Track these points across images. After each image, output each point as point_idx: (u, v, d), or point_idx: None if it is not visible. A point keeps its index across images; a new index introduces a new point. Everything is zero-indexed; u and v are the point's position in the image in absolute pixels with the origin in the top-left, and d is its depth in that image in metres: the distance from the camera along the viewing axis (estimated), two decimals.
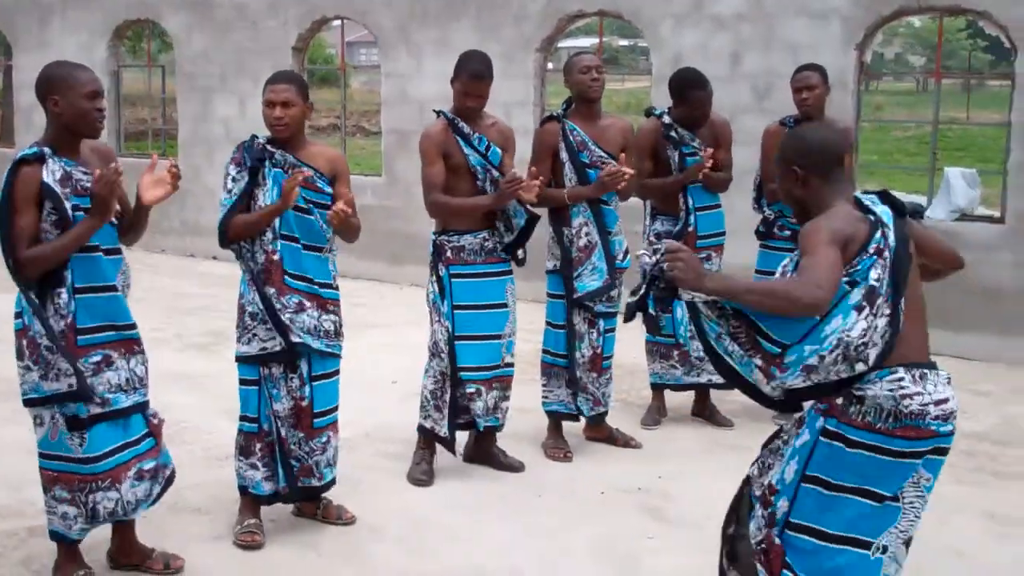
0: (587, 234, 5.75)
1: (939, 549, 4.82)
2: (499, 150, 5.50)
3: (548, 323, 6.00)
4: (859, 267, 3.23)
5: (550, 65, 10.33)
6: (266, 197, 4.72)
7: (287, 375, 4.78)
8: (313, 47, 12.87)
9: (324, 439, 4.86)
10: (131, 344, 4.29)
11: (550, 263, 5.90)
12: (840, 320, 3.19)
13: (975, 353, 8.06)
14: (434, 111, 5.59)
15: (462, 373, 5.49)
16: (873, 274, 3.22)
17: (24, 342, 4.08)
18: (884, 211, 3.35)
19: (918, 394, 3.22)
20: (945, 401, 3.26)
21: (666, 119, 6.28)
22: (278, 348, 4.73)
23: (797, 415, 3.50)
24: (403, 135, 10.34)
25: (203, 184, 11.68)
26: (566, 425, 6.11)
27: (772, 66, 8.64)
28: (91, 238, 4.09)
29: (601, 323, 5.89)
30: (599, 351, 5.92)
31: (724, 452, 6.05)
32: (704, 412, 6.63)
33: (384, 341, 8.15)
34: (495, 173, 5.45)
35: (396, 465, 5.72)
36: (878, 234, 3.26)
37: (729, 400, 6.83)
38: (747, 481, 3.57)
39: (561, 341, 5.92)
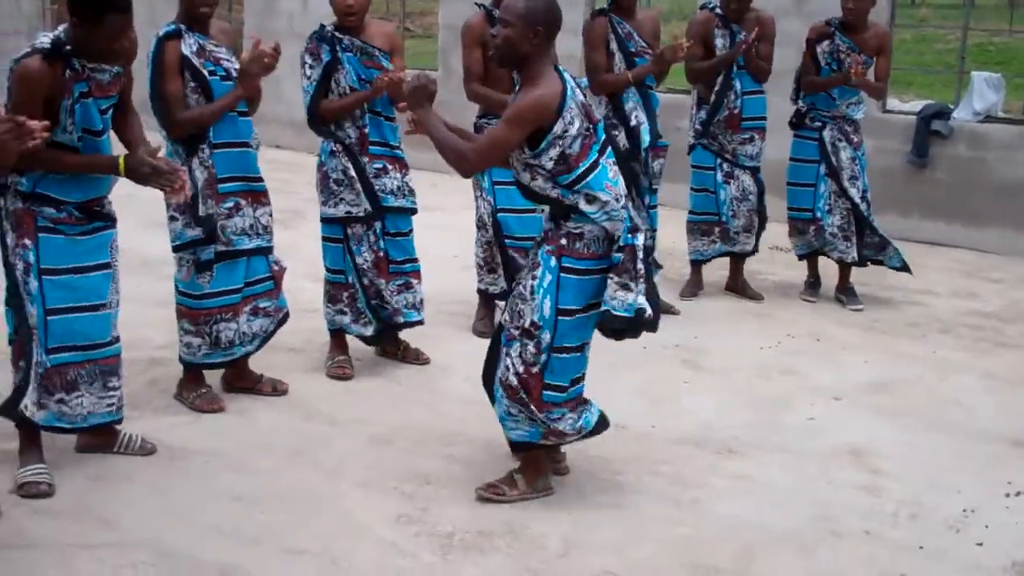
0: (636, 116, 6.38)
1: (941, 400, 5.52)
2: None
3: None
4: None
5: None
6: (346, 78, 5.37)
7: (367, 232, 5.48)
8: None
9: (401, 282, 5.57)
10: (259, 196, 5.05)
11: None
12: None
13: (992, 246, 8.67)
14: (476, 3, 6.18)
15: (506, 240, 6.14)
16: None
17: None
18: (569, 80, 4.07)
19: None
20: None
21: (718, 10, 6.88)
22: (362, 212, 5.42)
23: (531, 261, 4.22)
24: (459, 31, 10.87)
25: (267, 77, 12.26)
26: None
27: None
28: None
29: (646, 198, 6.55)
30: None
31: (752, 319, 6.76)
32: (737, 287, 7.29)
33: (443, 223, 8.83)
34: None
35: (462, 321, 6.46)
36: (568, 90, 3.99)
37: (760, 278, 7.51)
38: (499, 329, 4.28)
39: None
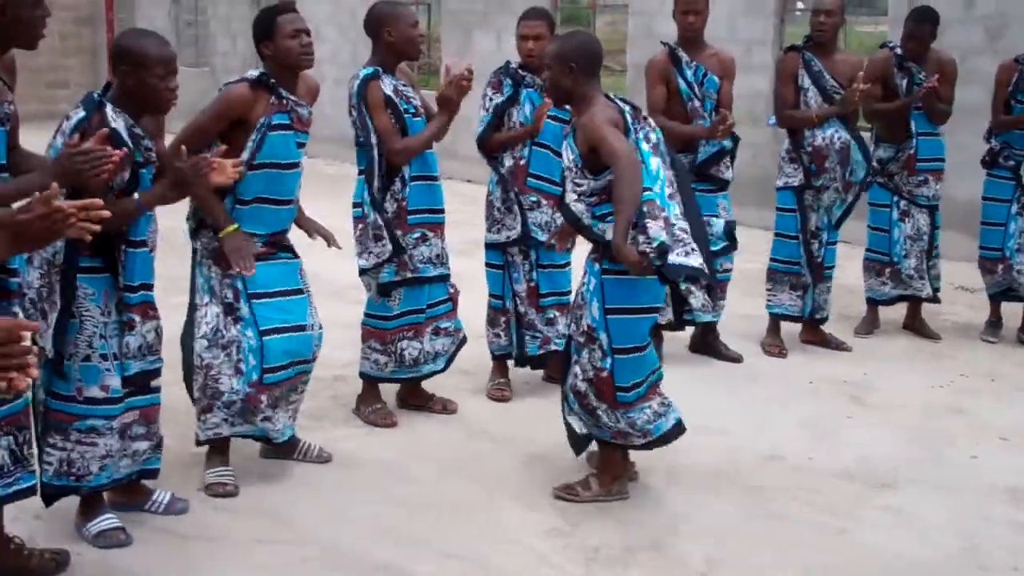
0: (839, 139, 6.42)
1: None
2: (716, 78, 6.21)
3: (777, 234, 6.73)
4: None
5: (800, 4, 10.82)
6: (519, 114, 5.66)
7: (524, 261, 5.72)
8: None
9: (551, 316, 5.77)
10: (442, 227, 5.37)
11: (780, 180, 6.62)
12: None
13: None
14: (662, 43, 6.39)
15: None
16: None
17: (360, 227, 5.19)
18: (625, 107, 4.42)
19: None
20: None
21: (898, 50, 6.89)
22: (515, 236, 5.67)
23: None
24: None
25: (460, 113, 12.73)
26: (783, 329, 6.83)
27: (1005, 8, 8.95)
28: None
29: (824, 236, 6.60)
30: (820, 260, 6.64)
31: (926, 358, 6.69)
32: (914, 326, 7.21)
33: None
34: (697, 101, 6.15)
35: None
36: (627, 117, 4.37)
37: (941, 318, 7.41)
38: (569, 339, 4.56)
39: (790, 250, 6.63)
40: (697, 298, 6.30)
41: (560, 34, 4.68)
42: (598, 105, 4.33)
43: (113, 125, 3.88)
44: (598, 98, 4.37)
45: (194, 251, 4.62)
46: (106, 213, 2.93)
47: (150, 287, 4.12)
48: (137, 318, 4.08)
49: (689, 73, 6.17)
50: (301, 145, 4.67)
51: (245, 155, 4.47)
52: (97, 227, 2.91)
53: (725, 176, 6.35)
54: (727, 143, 6.25)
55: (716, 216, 6.32)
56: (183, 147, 4.12)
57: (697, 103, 6.18)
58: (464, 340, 5.62)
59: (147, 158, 4.04)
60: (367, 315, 5.40)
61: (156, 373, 4.23)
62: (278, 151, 4.56)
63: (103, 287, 3.98)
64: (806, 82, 6.47)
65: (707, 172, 6.28)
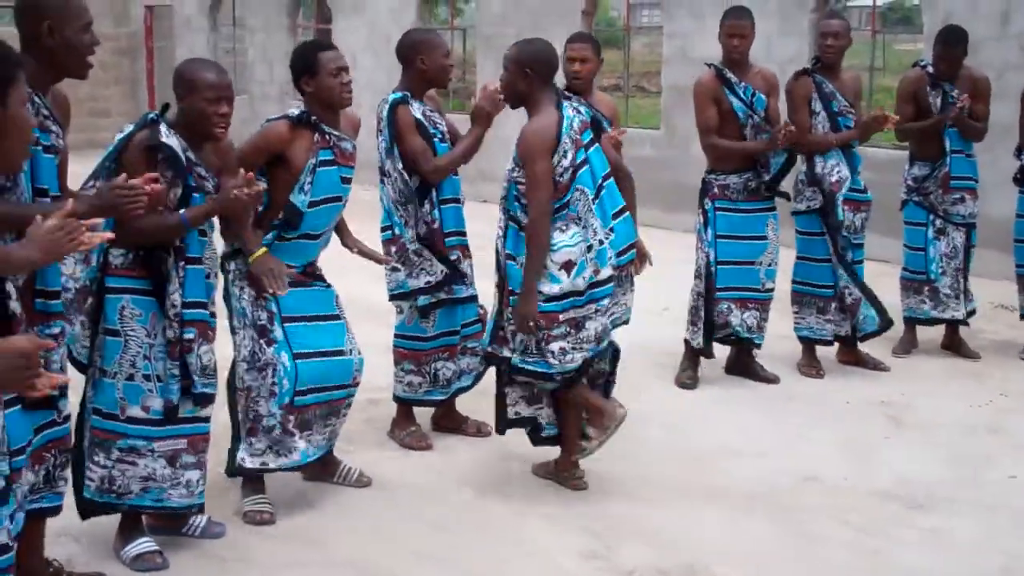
0: (839, 171, 6.42)
1: None
2: (764, 96, 6.23)
3: (800, 257, 6.71)
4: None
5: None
6: None
7: None
8: (599, 9, 13.81)
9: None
10: (468, 249, 5.41)
11: (801, 204, 6.59)
12: None
13: None
14: (706, 64, 6.40)
15: (718, 292, 6.29)
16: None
17: (393, 248, 5.21)
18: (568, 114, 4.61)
19: None
20: None
21: (930, 69, 6.86)
22: None
23: None
24: (682, 92, 11.01)
25: (496, 136, 12.77)
26: (821, 350, 6.80)
27: None
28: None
29: (850, 254, 6.56)
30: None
31: (965, 378, 6.64)
32: (953, 345, 7.15)
33: (658, 274, 8.97)
34: (756, 118, 6.18)
35: (666, 372, 6.60)
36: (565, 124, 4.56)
37: (981, 336, 7.35)
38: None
39: (815, 273, 6.61)
40: (736, 317, 6.31)
41: (519, 40, 4.77)
42: (543, 114, 4.57)
43: (165, 140, 3.96)
44: (547, 106, 4.58)
45: (226, 273, 4.65)
46: (109, 235, 3.02)
47: (204, 305, 4.15)
48: (199, 337, 4.11)
49: (741, 92, 6.18)
50: (346, 180, 4.69)
51: (305, 198, 4.53)
52: (110, 235, 2.97)
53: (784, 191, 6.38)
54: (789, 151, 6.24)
55: (764, 237, 6.33)
56: (241, 169, 4.16)
57: (757, 119, 6.19)
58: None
59: (200, 185, 4.09)
60: (399, 336, 5.43)
61: (212, 398, 4.25)
62: (324, 187, 4.59)
63: (150, 309, 4.04)
64: (817, 105, 6.45)
65: (777, 188, 6.30)
